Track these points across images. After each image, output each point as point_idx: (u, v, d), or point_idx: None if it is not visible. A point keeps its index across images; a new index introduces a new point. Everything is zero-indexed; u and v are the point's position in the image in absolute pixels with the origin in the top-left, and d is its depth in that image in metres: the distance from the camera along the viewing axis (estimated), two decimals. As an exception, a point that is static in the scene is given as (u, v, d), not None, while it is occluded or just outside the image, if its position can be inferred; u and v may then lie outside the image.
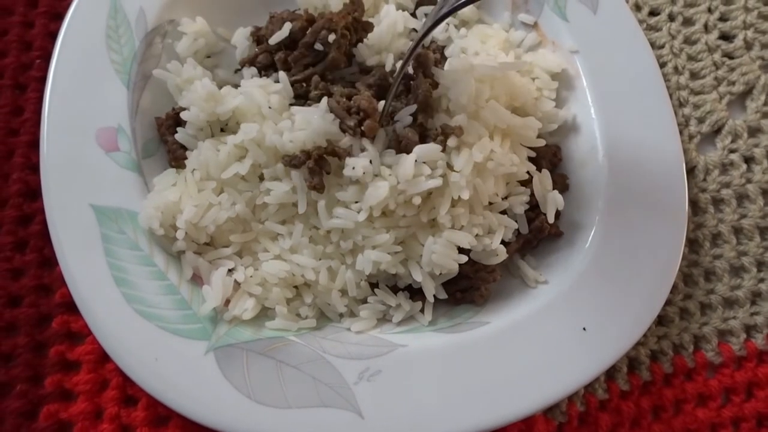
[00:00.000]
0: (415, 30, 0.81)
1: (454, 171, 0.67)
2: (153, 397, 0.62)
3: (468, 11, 0.83)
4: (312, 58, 0.74)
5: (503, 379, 0.65)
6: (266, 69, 0.76)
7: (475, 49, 0.79)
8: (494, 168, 0.68)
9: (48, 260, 0.72)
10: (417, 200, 0.66)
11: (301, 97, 0.73)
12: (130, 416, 0.67)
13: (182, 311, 0.66)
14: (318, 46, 0.72)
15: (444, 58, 0.79)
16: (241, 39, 0.78)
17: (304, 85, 0.73)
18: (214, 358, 0.64)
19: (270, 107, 0.70)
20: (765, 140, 0.83)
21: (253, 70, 0.76)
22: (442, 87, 0.71)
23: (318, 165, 0.66)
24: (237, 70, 0.80)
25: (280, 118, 0.69)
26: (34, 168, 0.73)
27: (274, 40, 0.74)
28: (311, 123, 0.67)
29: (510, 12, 0.85)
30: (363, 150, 0.67)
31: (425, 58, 0.72)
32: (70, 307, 0.69)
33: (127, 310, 0.64)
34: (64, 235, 0.66)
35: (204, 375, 0.63)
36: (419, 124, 0.69)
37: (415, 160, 0.66)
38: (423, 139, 0.68)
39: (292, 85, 0.72)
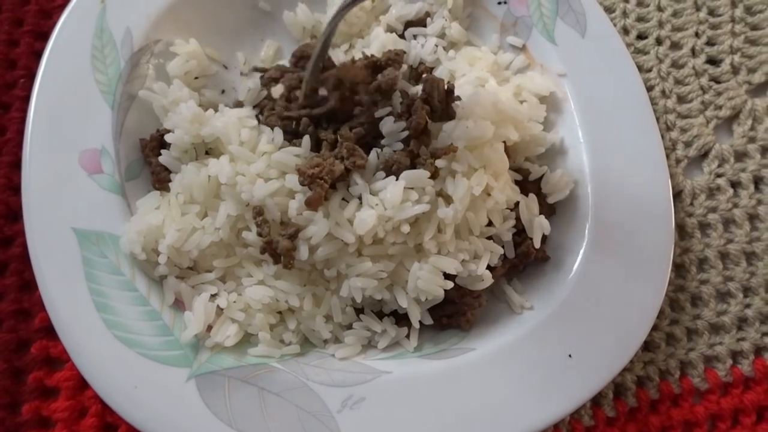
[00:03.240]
0: (404, 51, 0.81)
1: (447, 199, 0.67)
2: (132, 426, 0.61)
3: (456, 33, 0.83)
4: (316, 100, 0.71)
5: (488, 407, 0.65)
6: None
7: (463, 71, 0.79)
8: (492, 206, 0.68)
9: (28, 284, 0.71)
10: (405, 228, 0.65)
11: (290, 134, 0.71)
12: (109, 444, 0.66)
13: (164, 337, 0.65)
14: (322, 92, 0.71)
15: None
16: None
17: (294, 123, 0.71)
18: (195, 385, 0.63)
19: (241, 143, 0.69)
20: (751, 165, 0.83)
21: (250, 83, 0.75)
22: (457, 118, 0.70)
23: (282, 251, 0.65)
24: (223, 92, 0.80)
25: (251, 156, 0.68)
26: (16, 189, 0.72)
27: (275, 93, 0.74)
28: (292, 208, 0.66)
29: (498, 34, 0.85)
30: (355, 184, 0.66)
31: (435, 85, 0.69)
32: (49, 332, 0.68)
33: (108, 336, 0.63)
34: (45, 258, 0.65)
35: (184, 403, 0.62)
36: (410, 150, 0.68)
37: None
38: (413, 165, 0.68)
39: (283, 120, 0.71)
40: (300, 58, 0.77)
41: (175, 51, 0.78)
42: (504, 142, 0.73)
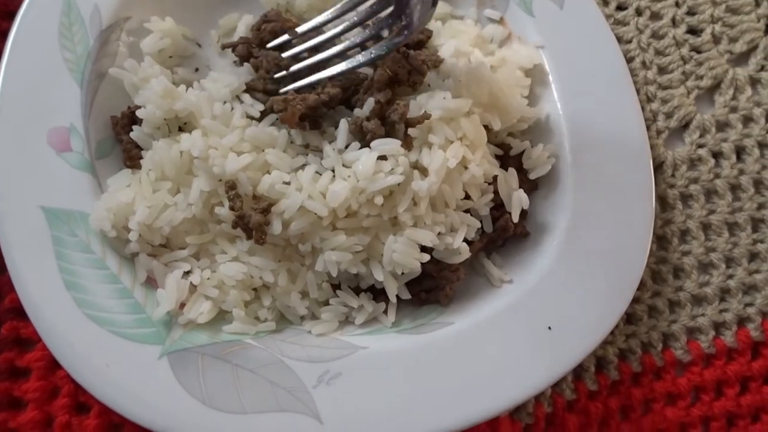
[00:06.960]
0: None
1: (423, 171, 0.66)
2: (105, 405, 0.60)
3: (439, 6, 0.82)
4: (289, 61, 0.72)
5: (466, 380, 0.64)
6: (244, 60, 0.75)
7: (447, 43, 0.78)
8: (469, 179, 0.67)
9: (-3, 265, 0.70)
10: (379, 200, 0.64)
11: (269, 93, 0.71)
12: (82, 424, 0.65)
13: (135, 315, 0.64)
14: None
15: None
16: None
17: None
18: (168, 362, 0.62)
19: (214, 116, 0.68)
20: (733, 135, 0.82)
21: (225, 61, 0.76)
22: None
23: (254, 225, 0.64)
24: (196, 70, 0.79)
25: (224, 130, 0.67)
26: (-16, 169, 0.71)
27: (239, 33, 0.75)
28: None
29: (476, 8, 0.83)
30: (319, 151, 0.66)
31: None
32: (19, 312, 0.67)
33: (78, 315, 0.63)
34: (14, 237, 0.65)
35: (157, 380, 0.61)
36: (377, 101, 0.67)
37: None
38: (383, 121, 0.67)
39: (263, 79, 0.71)
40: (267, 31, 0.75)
41: (150, 28, 0.76)
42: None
